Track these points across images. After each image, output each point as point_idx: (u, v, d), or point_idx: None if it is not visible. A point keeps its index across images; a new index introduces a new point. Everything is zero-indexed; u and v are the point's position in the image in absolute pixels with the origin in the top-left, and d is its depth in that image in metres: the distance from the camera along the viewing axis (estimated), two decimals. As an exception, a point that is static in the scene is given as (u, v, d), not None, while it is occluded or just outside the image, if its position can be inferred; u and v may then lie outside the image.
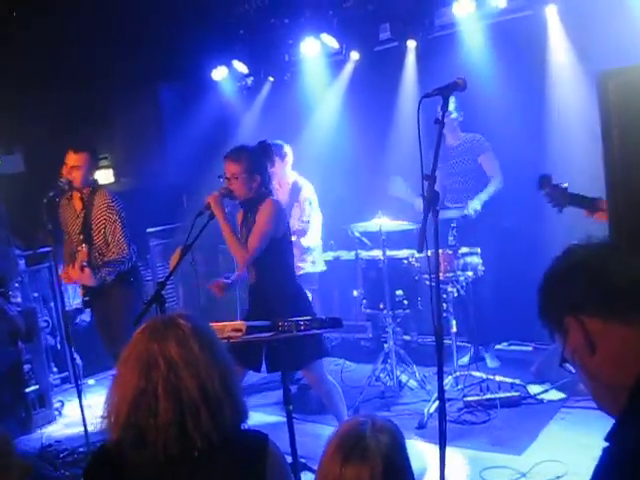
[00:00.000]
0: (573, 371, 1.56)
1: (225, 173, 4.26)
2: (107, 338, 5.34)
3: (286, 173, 6.03)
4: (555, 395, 5.28)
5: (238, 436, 2.00)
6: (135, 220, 5.56)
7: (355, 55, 7.13)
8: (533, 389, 5.38)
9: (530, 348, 6.45)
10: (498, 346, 6.45)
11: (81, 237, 5.23)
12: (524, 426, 4.80)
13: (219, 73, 7.90)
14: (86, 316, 7.34)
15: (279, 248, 4.32)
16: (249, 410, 2.08)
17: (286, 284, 4.38)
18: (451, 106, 5.72)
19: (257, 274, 4.36)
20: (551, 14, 5.99)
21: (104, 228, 5.23)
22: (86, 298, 5.34)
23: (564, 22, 5.97)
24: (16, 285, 6.32)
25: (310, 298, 4.83)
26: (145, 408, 1.88)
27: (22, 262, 6.84)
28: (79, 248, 5.20)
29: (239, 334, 3.01)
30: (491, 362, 6.13)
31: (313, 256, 6.11)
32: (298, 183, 6.05)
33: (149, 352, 1.92)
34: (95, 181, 5.39)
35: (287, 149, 5.99)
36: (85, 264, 5.11)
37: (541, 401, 5.25)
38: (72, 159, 5.18)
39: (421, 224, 2.88)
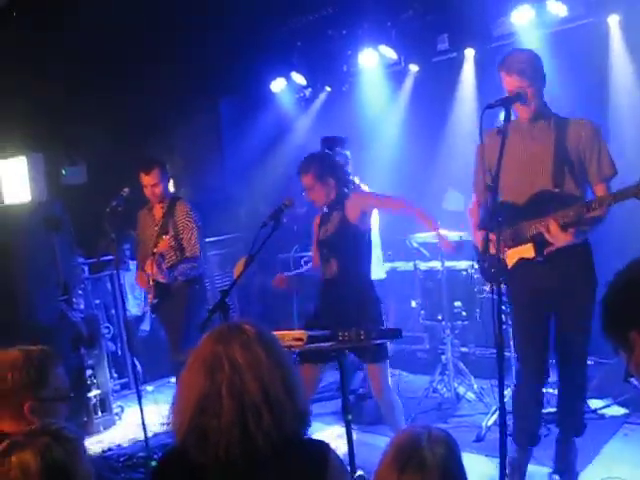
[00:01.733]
0: (639, 386, 1.54)
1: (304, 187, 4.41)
2: (172, 342, 5.46)
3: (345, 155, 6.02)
4: (617, 411, 5.15)
5: (300, 443, 2.02)
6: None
7: (414, 67, 7.13)
8: (594, 404, 5.25)
9: (591, 362, 6.31)
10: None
11: (157, 241, 5.43)
12: (585, 442, 4.67)
13: (277, 85, 7.98)
14: (146, 325, 7.50)
15: (363, 240, 4.41)
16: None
17: (367, 281, 4.44)
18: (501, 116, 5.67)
19: (337, 266, 4.38)
20: (613, 23, 5.90)
21: (182, 234, 5.48)
22: (155, 300, 5.48)
23: (626, 31, 5.88)
24: (79, 292, 6.47)
25: None
26: (209, 409, 1.92)
27: (85, 270, 7.02)
28: (155, 250, 5.38)
29: (300, 343, 3.04)
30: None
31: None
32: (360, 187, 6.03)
33: (214, 354, 1.97)
34: (175, 193, 5.61)
35: (348, 155, 6.01)
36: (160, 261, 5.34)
37: (602, 416, 5.13)
38: (147, 180, 5.46)
39: (484, 234, 2.87)
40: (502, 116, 3.23)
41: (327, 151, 4.98)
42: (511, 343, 5.44)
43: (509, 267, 3.87)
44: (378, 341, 3.27)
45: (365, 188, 6.03)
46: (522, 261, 3.83)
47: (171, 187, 8.73)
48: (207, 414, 1.92)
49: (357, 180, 6.06)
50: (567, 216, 3.58)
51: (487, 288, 5.50)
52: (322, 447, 2.05)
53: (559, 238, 3.63)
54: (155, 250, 5.38)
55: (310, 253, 5.07)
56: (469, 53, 6.77)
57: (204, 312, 5.70)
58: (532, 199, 3.79)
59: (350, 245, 4.34)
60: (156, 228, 5.55)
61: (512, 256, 3.86)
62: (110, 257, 6.56)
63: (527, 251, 3.79)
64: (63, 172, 8.79)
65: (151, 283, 5.50)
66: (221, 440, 1.90)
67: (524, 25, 6.14)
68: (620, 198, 3.39)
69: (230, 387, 1.92)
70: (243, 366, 1.94)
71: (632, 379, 1.55)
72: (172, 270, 5.41)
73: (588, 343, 3.91)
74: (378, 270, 6.18)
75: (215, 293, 7.81)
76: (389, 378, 4.48)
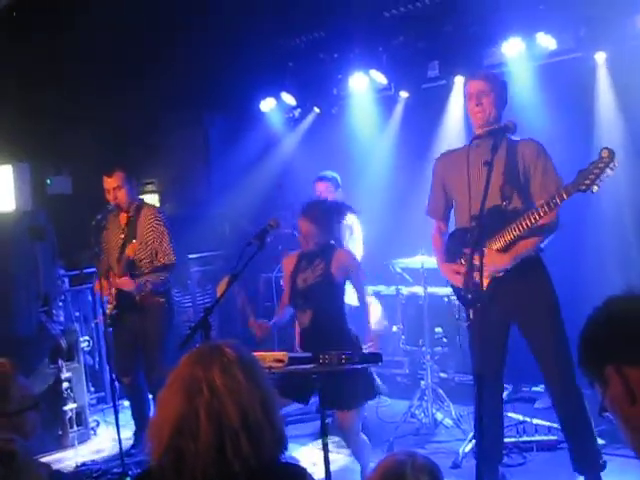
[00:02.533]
0: (613, 420, 1.56)
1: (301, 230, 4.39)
2: (148, 361, 5.41)
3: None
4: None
5: (277, 467, 2.01)
6: (177, 246, 5.65)
7: (404, 93, 7.19)
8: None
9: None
10: (535, 388, 6.36)
11: (122, 248, 5.38)
12: (560, 471, 4.70)
13: (267, 104, 8.01)
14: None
15: (342, 293, 4.38)
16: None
17: (342, 324, 4.34)
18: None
19: (313, 316, 4.32)
20: (600, 60, 5.99)
21: (152, 240, 5.40)
22: (115, 312, 5.41)
23: (612, 69, 5.98)
24: (59, 304, 6.43)
25: None
26: (186, 432, 1.90)
27: (66, 282, 6.97)
28: (122, 256, 5.32)
29: (281, 365, 3.03)
30: (540, 402, 6.06)
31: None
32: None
33: (193, 377, 1.95)
34: (141, 199, 5.55)
35: (338, 179, 6.05)
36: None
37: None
38: (109, 182, 5.38)
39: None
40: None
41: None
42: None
43: (484, 289, 3.93)
44: (360, 365, 3.26)
45: (354, 218, 6.04)
46: (494, 280, 3.93)
47: (156, 202, 8.75)
48: (184, 436, 1.90)
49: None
50: (515, 230, 3.75)
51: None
52: (299, 471, 2.05)
53: (495, 262, 3.84)
54: (122, 256, 5.30)
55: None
56: (459, 81, 6.83)
57: (175, 327, 5.72)
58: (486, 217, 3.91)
59: (327, 297, 4.30)
60: (122, 235, 5.47)
61: (486, 276, 3.93)
62: (93, 270, 6.53)
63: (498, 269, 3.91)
64: (48, 182, 8.76)
65: (113, 292, 5.42)
66: (197, 463, 1.88)
67: (514, 56, 6.21)
68: (567, 192, 3.55)
69: (208, 411, 1.90)
70: (222, 390, 1.92)
71: (606, 414, 1.56)
72: (140, 279, 5.32)
73: (567, 353, 3.92)
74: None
75: (196, 310, 7.78)
76: (360, 425, 4.38)
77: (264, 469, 1.93)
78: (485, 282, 3.91)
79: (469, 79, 4.16)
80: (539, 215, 3.66)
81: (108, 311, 5.44)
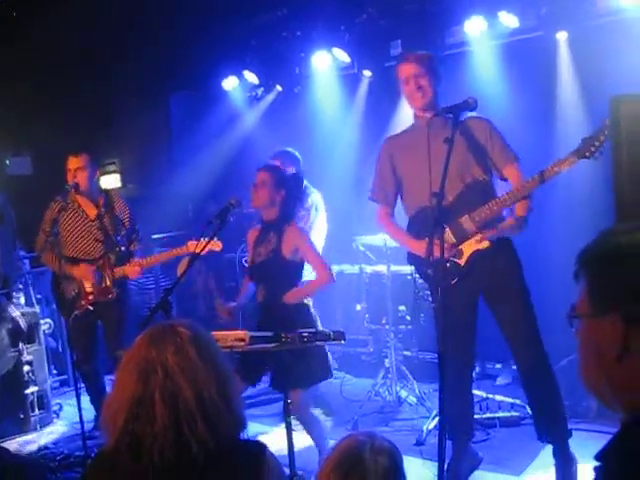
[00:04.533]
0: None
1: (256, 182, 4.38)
2: (113, 342, 5.40)
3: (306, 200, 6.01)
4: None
5: (236, 445, 1.99)
6: (140, 226, 5.64)
7: (367, 72, 7.16)
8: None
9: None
10: (497, 365, 6.43)
11: (103, 241, 5.37)
12: (523, 446, 4.78)
13: (229, 83, 7.93)
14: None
15: (295, 272, 4.38)
16: (248, 420, 2.08)
17: (295, 307, 4.33)
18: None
19: (267, 293, 4.36)
20: (562, 39, 6.02)
21: (130, 225, 5.49)
22: (91, 308, 5.37)
23: (573, 49, 6.01)
24: (19, 286, 6.34)
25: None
26: (142, 415, 1.88)
27: (27, 263, 6.87)
28: (121, 273, 5.33)
29: (242, 344, 3.01)
30: (501, 379, 6.14)
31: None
32: (307, 189, 6.03)
33: (147, 359, 1.93)
34: (105, 189, 5.54)
35: (298, 156, 6.00)
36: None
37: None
38: (74, 162, 5.34)
39: (428, 240, 2.90)
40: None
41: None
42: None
43: (463, 264, 3.95)
44: (323, 343, 3.26)
45: (318, 196, 6.02)
46: (475, 253, 3.94)
47: (118, 182, 8.66)
48: (140, 419, 1.88)
49: (305, 182, 6.06)
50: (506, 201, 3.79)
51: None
52: (258, 447, 2.03)
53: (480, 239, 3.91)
54: (122, 273, 5.32)
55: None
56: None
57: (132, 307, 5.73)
58: (460, 194, 3.94)
59: (279, 276, 4.31)
60: (92, 226, 5.42)
61: (467, 251, 3.95)
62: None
63: (480, 242, 3.92)
64: (7, 162, 8.62)
65: (108, 282, 5.37)
66: (154, 446, 1.86)
67: (476, 35, 6.22)
68: (571, 160, 3.60)
69: (163, 392, 1.88)
70: (176, 371, 1.90)
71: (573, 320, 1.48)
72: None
73: (535, 325, 3.99)
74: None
75: (158, 291, 7.73)
76: (307, 402, 4.42)
77: (222, 448, 1.91)
78: (464, 258, 3.95)
79: (400, 63, 4.15)
80: (533, 184, 3.69)
81: (85, 302, 5.37)
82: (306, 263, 4.44)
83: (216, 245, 4.92)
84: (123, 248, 5.38)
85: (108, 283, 5.31)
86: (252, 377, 4.31)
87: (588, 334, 1.44)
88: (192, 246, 4.99)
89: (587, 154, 3.50)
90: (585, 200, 5.57)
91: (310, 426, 4.40)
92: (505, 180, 4.07)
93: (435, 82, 4.03)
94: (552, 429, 4.10)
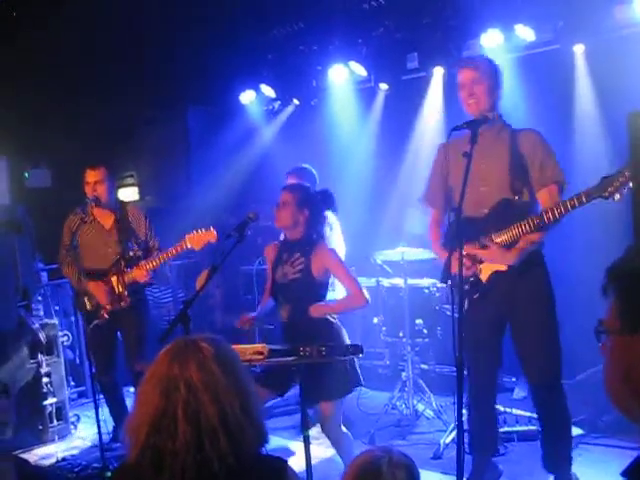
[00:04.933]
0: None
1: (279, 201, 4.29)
2: (130, 352, 5.43)
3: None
4: (573, 431, 5.20)
5: (257, 461, 1.99)
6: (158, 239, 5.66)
7: (384, 85, 7.18)
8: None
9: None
10: (513, 378, 6.39)
11: (123, 250, 5.40)
12: (539, 463, 4.74)
13: (247, 97, 7.98)
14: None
15: (323, 290, 4.31)
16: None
17: (321, 323, 4.24)
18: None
19: (292, 312, 4.25)
20: (579, 52, 6.02)
21: (145, 236, 5.53)
22: (107, 317, 5.40)
23: (590, 61, 6.01)
24: (38, 298, 6.38)
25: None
26: (164, 431, 1.88)
27: (45, 275, 6.92)
28: (131, 277, 5.34)
29: (261, 357, 3.02)
30: (518, 392, 6.10)
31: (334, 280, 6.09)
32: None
33: (170, 375, 1.93)
34: (121, 200, 5.59)
35: (314, 172, 6.00)
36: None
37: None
38: (92, 175, 5.40)
39: (447, 255, 2.90)
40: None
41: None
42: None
43: (484, 281, 3.93)
44: (341, 358, 3.27)
45: (331, 215, 6.00)
46: (495, 274, 3.89)
47: (136, 195, 8.71)
48: (162, 435, 1.88)
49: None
50: (525, 226, 3.68)
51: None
52: (279, 463, 2.03)
53: (497, 258, 3.80)
54: (131, 278, 5.32)
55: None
56: (438, 72, 6.85)
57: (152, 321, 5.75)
58: (492, 211, 3.88)
59: (307, 296, 4.20)
60: (110, 237, 5.47)
61: (486, 270, 3.92)
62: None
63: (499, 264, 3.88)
64: (26, 175, 8.69)
65: (120, 289, 5.38)
66: (176, 462, 1.86)
67: (492, 48, 6.22)
68: (587, 196, 3.47)
69: (186, 409, 1.88)
70: (199, 387, 1.90)
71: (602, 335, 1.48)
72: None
73: (554, 360, 3.91)
74: (339, 288, 6.19)
75: (177, 304, 7.75)
76: (340, 416, 4.30)
77: (243, 464, 1.91)
78: (484, 276, 3.91)
79: (459, 67, 4.02)
80: (553, 215, 3.58)
81: (104, 311, 5.39)
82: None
83: (211, 235, 4.96)
84: (132, 253, 5.36)
85: (120, 289, 5.35)
86: (281, 387, 4.17)
87: (617, 351, 1.42)
88: (190, 240, 5.14)
89: (605, 194, 3.39)
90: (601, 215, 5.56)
91: (339, 442, 4.30)
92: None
93: (493, 89, 3.92)
94: (555, 461, 4.09)
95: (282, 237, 4.68)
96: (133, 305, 5.40)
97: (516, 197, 3.85)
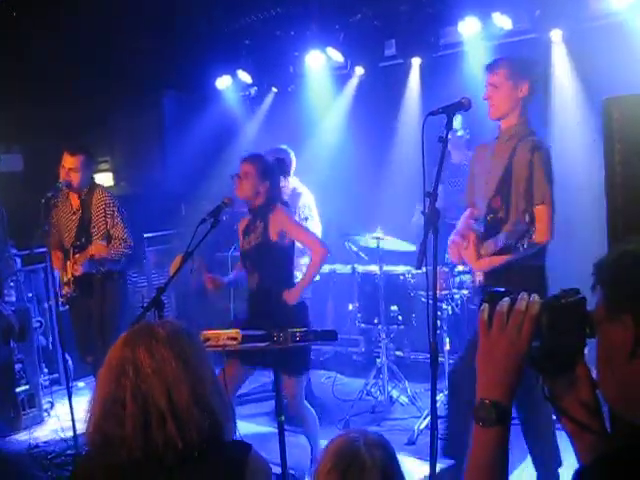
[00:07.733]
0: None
1: (239, 173, 4.35)
2: (95, 335, 5.37)
3: (287, 179, 6.02)
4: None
5: (217, 447, 1.94)
6: (132, 225, 5.60)
7: (360, 70, 7.17)
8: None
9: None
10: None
11: (78, 233, 5.36)
12: (514, 445, 4.74)
13: (223, 82, 7.93)
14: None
15: (285, 255, 4.39)
16: (237, 420, 2.07)
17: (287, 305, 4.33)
18: (457, 124, 5.77)
19: (259, 280, 4.36)
20: (556, 38, 6.04)
21: (104, 225, 5.37)
22: (75, 293, 5.35)
23: (568, 47, 6.04)
24: (11, 284, 6.31)
25: None
26: (113, 415, 1.87)
27: (18, 261, 6.83)
28: (91, 254, 5.30)
29: (234, 342, 3.02)
30: None
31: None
32: (297, 189, 6.02)
33: (121, 359, 1.91)
34: (92, 179, 5.49)
35: (292, 155, 6.00)
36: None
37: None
38: (69, 161, 5.29)
39: (421, 241, 2.90)
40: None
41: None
42: (445, 349, 5.53)
43: (476, 284, 3.99)
44: (314, 343, 3.26)
45: (305, 189, 6.04)
46: (487, 279, 3.88)
47: (110, 180, 8.62)
48: (110, 420, 1.87)
49: (296, 181, 6.07)
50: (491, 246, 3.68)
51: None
52: (242, 448, 1.99)
53: (471, 261, 3.87)
54: (91, 254, 5.28)
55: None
56: (415, 62, 6.85)
57: (129, 308, 5.70)
58: (488, 216, 3.91)
59: (270, 261, 4.31)
60: (74, 217, 5.43)
61: (478, 273, 3.97)
62: (44, 249, 6.42)
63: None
64: (-3, 159, 8.58)
65: (69, 275, 5.37)
66: (123, 447, 1.85)
67: (470, 36, 6.23)
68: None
69: (134, 393, 1.86)
70: (148, 371, 1.88)
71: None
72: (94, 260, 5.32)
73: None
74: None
75: (151, 290, 7.70)
76: (303, 393, 4.46)
77: (200, 453, 1.88)
78: (477, 278, 3.94)
79: (486, 68, 3.89)
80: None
81: (65, 292, 5.38)
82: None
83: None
84: (84, 240, 5.34)
85: (69, 275, 5.34)
86: (250, 359, 4.22)
87: (602, 339, 1.46)
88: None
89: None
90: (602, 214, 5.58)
91: (305, 419, 4.42)
92: None
93: (511, 93, 3.79)
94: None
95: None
96: (107, 290, 5.35)
97: (492, 215, 3.83)
